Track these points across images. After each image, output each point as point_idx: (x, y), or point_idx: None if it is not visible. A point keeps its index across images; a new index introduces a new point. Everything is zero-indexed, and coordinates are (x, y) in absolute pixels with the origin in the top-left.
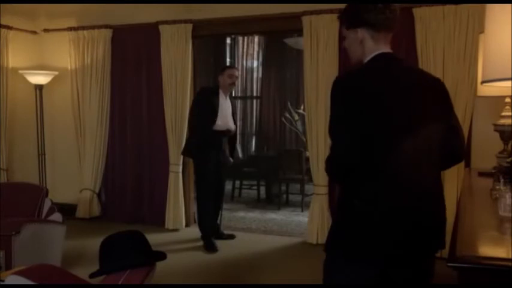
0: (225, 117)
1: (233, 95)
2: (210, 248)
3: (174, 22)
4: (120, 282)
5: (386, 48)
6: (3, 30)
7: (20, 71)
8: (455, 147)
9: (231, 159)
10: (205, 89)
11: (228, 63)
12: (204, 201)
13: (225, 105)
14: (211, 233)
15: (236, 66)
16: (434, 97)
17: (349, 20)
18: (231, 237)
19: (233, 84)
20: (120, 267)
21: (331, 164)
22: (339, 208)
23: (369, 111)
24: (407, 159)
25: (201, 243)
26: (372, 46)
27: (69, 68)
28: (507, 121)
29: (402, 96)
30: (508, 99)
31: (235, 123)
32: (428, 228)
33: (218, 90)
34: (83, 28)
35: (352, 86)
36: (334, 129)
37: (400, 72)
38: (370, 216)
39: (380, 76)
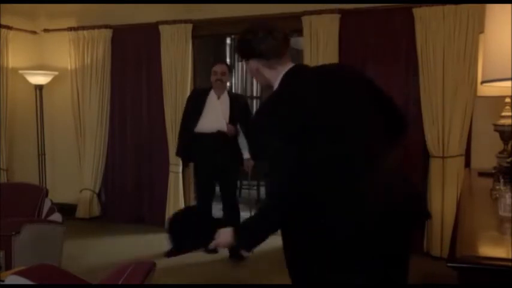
0: (213, 118)
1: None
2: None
3: (174, 22)
4: (120, 282)
5: (288, 66)
6: (3, 30)
7: (20, 71)
8: (399, 119)
9: (248, 162)
10: (195, 90)
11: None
12: (197, 203)
13: (214, 105)
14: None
15: (227, 62)
16: (362, 83)
17: (240, 53)
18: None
19: (219, 81)
20: (195, 246)
21: (281, 211)
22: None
23: (307, 123)
24: (367, 156)
25: None
26: (270, 73)
27: (69, 68)
28: (507, 121)
29: (331, 97)
30: (508, 99)
31: (243, 123)
32: (404, 213)
33: (210, 90)
34: (83, 28)
35: (279, 113)
36: (274, 165)
37: (317, 77)
38: (350, 231)
39: (300, 88)
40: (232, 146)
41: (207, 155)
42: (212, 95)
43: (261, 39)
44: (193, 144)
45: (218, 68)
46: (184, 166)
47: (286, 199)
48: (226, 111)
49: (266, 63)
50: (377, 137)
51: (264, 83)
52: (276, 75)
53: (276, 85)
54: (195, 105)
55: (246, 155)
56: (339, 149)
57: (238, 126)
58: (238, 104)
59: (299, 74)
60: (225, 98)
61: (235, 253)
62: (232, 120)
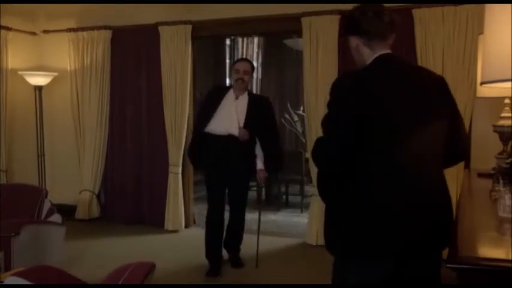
0: (226, 119)
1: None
2: (208, 271)
3: (174, 23)
4: (120, 282)
5: (384, 51)
6: (2, 31)
7: (20, 72)
8: (458, 145)
9: (261, 173)
10: (215, 88)
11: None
12: (207, 216)
13: (230, 105)
14: (211, 254)
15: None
16: (436, 95)
17: (344, 27)
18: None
19: (240, 80)
20: None
21: (319, 163)
22: (341, 207)
23: (369, 112)
24: (412, 158)
25: (201, 244)
26: (369, 52)
27: (68, 69)
28: (506, 122)
29: (403, 96)
30: (507, 100)
31: (261, 129)
32: (436, 225)
33: (229, 89)
34: (83, 29)
35: (352, 87)
36: (330, 126)
37: (401, 72)
38: (379, 215)
39: (380, 77)
40: (245, 152)
41: (216, 158)
42: (230, 95)
43: (369, 19)
44: (203, 146)
45: (240, 66)
46: (195, 168)
47: (329, 160)
48: (242, 113)
49: (367, 42)
50: (430, 149)
51: (359, 61)
52: (371, 56)
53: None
54: (210, 103)
55: (260, 165)
56: (389, 152)
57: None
58: (258, 107)
59: (388, 64)
60: (244, 99)
61: (236, 261)
62: (248, 123)
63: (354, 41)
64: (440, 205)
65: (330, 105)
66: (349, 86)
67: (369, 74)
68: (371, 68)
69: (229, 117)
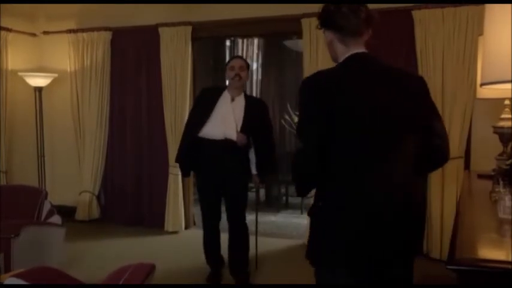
0: (223, 122)
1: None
2: (208, 277)
3: (174, 24)
4: (120, 283)
5: (358, 50)
6: (2, 32)
7: (20, 73)
8: (435, 149)
9: (256, 178)
10: (206, 90)
11: (245, 60)
12: (203, 224)
13: (226, 107)
14: (211, 264)
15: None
16: (409, 96)
17: (319, 21)
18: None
19: (237, 77)
20: None
21: (293, 174)
22: (312, 211)
23: (337, 112)
24: (380, 161)
25: (201, 246)
26: (342, 49)
27: (68, 70)
28: (506, 123)
29: (374, 96)
30: (507, 102)
31: (257, 134)
32: (399, 234)
33: (223, 90)
34: (83, 30)
35: (321, 86)
36: (301, 130)
37: (373, 72)
38: (341, 221)
39: (351, 76)
40: (242, 157)
41: (211, 165)
42: (225, 96)
43: (343, 14)
44: (196, 152)
45: (235, 62)
46: (184, 176)
47: (298, 169)
48: (240, 116)
49: (341, 38)
50: (397, 152)
51: (333, 57)
52: (345, 53)
53: (339, 61)
54: (203, 106)
55: (254, 170)
56: (352, 154)
57: (251, 138)
58: (255, 110)
59: (361, 64)
60: (241, 100)
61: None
62: (246, 127)
63: (329, 36)
64: (406, 214)
65: (300, 105)
66: (319, 85)
67: (341, 73)
68: (343, 67)
69: (226, 120)
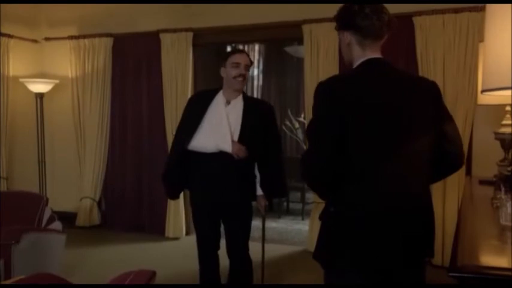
0: (215, 131)
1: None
2: None
3: (175, 30)
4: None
5: (374, 55)
6: (4, 38)
7: (21, 80)
8: (448, 154)
9: (261, 200)
10: (197, 93)
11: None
12: (198, 253)
13: (219, 113)
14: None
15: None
16: (424, 102)
17: (338, 21)
18: None
19: (241, 77)
20: None
21: (305, 173)
22: (323, 215)
23: (352, 116)
24: (393, 165)
25: None
26: (359, 52)
27: (69, 76)
28: (507, 129)
29: (388, 102)
30: (508, 108)
31: (267, 144)
32: (415, 236)
33: (216, 92)
34: (84, 37)
35: (337, 91)
36: (313, 132)
37: (388, 78)
38: (354, 224)
39: (366, 81)
40: (243, 174)
41: (204, 188)
42: (219, 99)
43: (366, 15)
44: (185, 169)
45: (241, 58)
46: (171, 199)
47: (312, 171)
48: (237, 122)
49: (361, 40)
50: (413, 157)
51: (348, 60)
52: (361, 57)
53: (354, 66)
54: (193, 113)
55: (260, 190)
56: (370, 159)
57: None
58: (256, 114)
59: (376, 69)
60: (238, 103)
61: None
62: (245, 136)
63: (347, 38)
64: (419, 216)
65: (315, 108)
66: (335, 89)
67: (358, 78)
68: (359, 72)
69: (219, 129)
